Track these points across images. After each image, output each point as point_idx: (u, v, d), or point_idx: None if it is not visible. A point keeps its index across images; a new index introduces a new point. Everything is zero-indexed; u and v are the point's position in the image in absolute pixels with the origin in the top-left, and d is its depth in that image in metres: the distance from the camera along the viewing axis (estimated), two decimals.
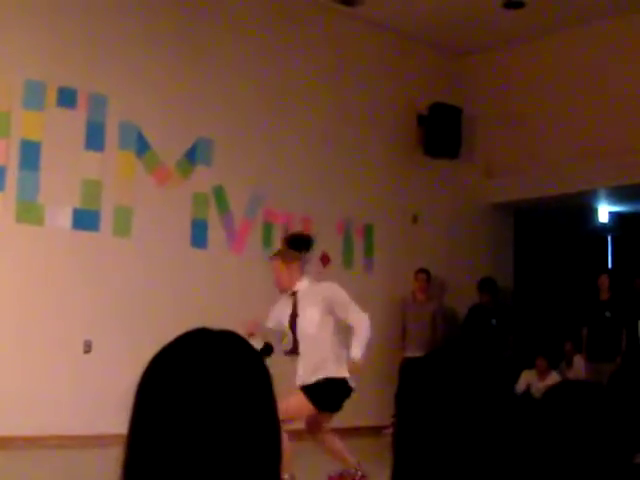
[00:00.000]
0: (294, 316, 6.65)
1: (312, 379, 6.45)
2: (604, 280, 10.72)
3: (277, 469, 1.39)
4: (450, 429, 1.49)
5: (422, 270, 11.48)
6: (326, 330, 6.56)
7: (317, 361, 6.48)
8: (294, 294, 6.68)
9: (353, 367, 6.54)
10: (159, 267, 9.46)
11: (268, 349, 6.75)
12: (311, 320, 6.56)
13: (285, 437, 6.20)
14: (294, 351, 6.61)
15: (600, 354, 10.35)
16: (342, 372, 6.52)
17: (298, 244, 6.93)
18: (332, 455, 6.72)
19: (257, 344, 6.69)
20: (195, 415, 1.33)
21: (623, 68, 10.88)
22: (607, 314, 10.51)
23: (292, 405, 6.27)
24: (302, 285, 6.69)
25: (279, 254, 6.86)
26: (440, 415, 1.51)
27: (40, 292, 8.69)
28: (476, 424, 1.49)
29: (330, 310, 6.59)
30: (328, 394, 6.53)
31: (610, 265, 13.86)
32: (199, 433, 1.32)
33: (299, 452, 6.24)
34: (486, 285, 11.79)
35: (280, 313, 6.78)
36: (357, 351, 6.48)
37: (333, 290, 6.76)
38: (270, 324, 6.84)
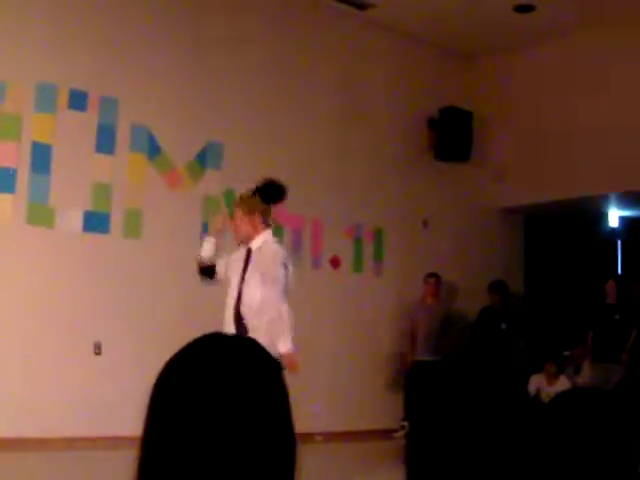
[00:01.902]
0: (242, 279, 6.20)
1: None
2: (612, 285, 10.79)
3: (291, 476, 1.39)
4: (464, 434, 1.49)
5: (432, 274, 11.47)
6: (269, 299, 6.11)
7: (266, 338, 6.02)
8: (249, 251, 6.25)
9: (289, 362, 5.82)
10: (169, 269, 9.46)
11: (210, 270, 6.38)
12: (253, 291, 6.14)
13: None
14: (238, 318, 6.13)
15: (606, 355, 10.42)
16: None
17: (267, 194, 6.35)
18: None
19: (208, 247, 6.42)
20: (210, 420, 1.33)
21: (635, 72, 10.85)
22: (616, 317, 10.58)
23: None
24: (257, 242, 6.23)
25: (240, 202, 6.36)
26: (455, 420, 1.51)
27: (50, 294, 8.71)
28: (490, 429, 1.49)
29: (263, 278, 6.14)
30: None
31: (619, 269, 13.83)
32: (214, 438, 1.32)
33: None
34: (496, 286, 11.78)
35: (231, 264, 6.34)
36: (284, 344, 5.96)
37: (266, 256, 6.20)
38: (220, 272, 6.44)
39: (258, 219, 6.25)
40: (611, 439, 1.88)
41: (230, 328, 6.11)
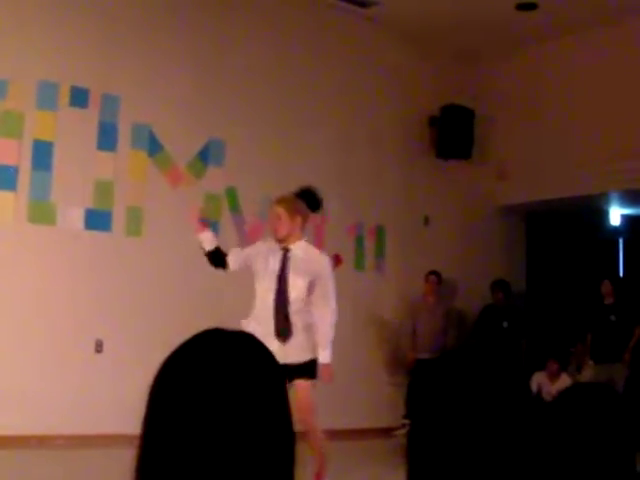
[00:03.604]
0: (282, 278, 6.25)
1: (304, 357, 6.18)
2: (607, 285, 10.79)
3: (290, 472, 1.39)
4: (465, 431, 1.49)
5: (433, 272, 11.47)
6: (308, 302, 6.29)
7: (302, 338, 6.20)
8: (286, 250, 6.31)
9: (327, 373, 6.24)
10: (171, 267, 9.46)
11: (220, 256, 6.45)
12: (300, 292, 6.24)
13: (322, 437, 6.26)
14: (281, 315, 6.22)
15: (606, 356, 10.42)
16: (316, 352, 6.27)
17: (309, 200, 6.48)
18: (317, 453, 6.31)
19: (208, 244, 6.47)
20: (208, 416, 1.33)
21: (638, 70, 10.83)
22: (612, 318, 10.57)
23: (304, 405, 6.08)
24: (299, 246, 6.32)
25: (285, 201, 6.39)
26: (455, 417, 1.51)
27: (52, 292, 8.71)
28: (491, 426, 1.49)
29: (311, 283, 6.26)
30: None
31: (622, 268, 13.84)
32: (212, 434, 1.32)
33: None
34: (499, 284, 11.79)
35: (257, 258, 6.39)
36: (327, 354, 6.23)
37: (324, 267, 6.34)
38: (234, 262, 6.49)
39: (299, 222, 6.33)
40: (613, 435, 1.88)
41: (267, 324, 6.20)
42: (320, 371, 6.24)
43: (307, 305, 6.31)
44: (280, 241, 6.32)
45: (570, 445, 1.85)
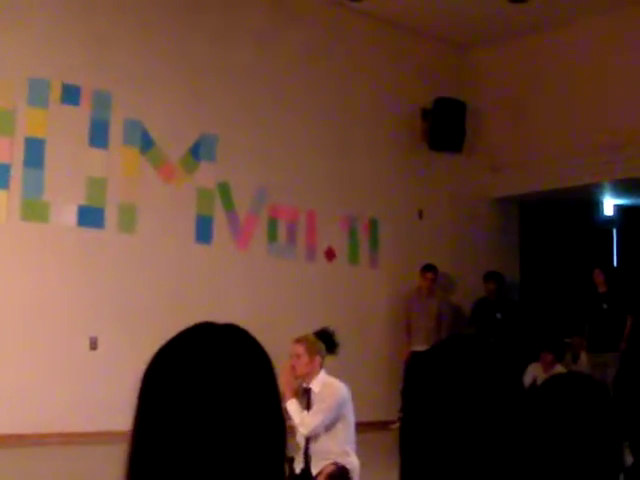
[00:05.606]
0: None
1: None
2: (598, 274, 10.82)
3: (281, 462, 1.39)
4: (456, 422, 1.48)
5: (429, 266, 11.42)
6: (336, 435, 6.41)
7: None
8: (307, 391, 6.43)
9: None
10: (164, 263, 9.46)
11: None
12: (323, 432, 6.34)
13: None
14: (308, 466, 6.29)
15: (600, 345, 10.46)
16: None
17: (327, 341, 6.57)
18: None
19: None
20: (199, 408, 1.33)
21: (628, 61, 10.85)
22: (604, 306, 10.61)
23: None
24: (317, 383, 6.42)
25: (305, 341, 6.45)
26: (446, 408, 1.50)
27: (45, 289, 8.70)
28: (483, 417, 1.48)
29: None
30: None
31: (615, 258, 13.85)
32: (203, 426, 1.32)
33: None
34: (492, 276, 11.79)
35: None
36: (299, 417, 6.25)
37: (332, 393, 6.44)
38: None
39: (318, 362, 6.42)
40: (599, 424, 1.88)
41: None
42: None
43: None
44: (297, 378, 6.43)
45: (551, 433, 1.85)
